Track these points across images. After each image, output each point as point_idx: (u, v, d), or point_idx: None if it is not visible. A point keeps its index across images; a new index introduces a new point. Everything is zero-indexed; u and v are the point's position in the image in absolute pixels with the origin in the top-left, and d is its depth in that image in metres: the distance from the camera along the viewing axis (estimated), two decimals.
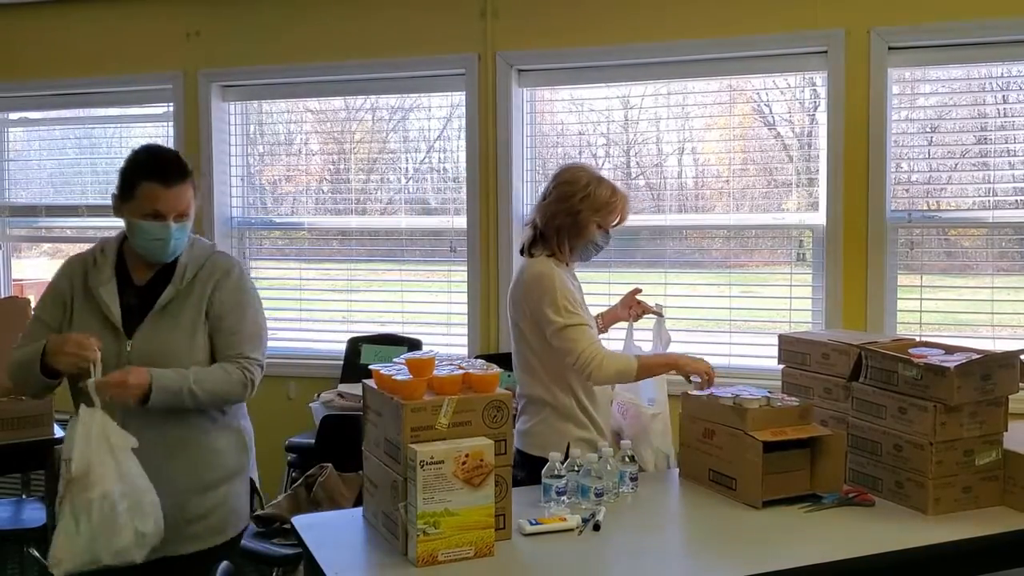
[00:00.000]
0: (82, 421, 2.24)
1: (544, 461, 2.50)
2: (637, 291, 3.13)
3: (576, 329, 2.69)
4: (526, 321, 2.80)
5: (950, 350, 2.61)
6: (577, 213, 2.79)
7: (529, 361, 2.84)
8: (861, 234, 3.91)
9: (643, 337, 3.11)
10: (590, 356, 2.67)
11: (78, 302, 2.43)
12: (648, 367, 2.77)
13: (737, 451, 2.50)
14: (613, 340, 3.12)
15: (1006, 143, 4.00)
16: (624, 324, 3.14)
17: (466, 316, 4.51)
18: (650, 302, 3.12)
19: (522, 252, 2.90)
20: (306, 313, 4.97)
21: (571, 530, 2.28)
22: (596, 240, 2.85)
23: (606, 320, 3.13)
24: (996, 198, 3.95)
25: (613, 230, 2.90)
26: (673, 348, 3.03)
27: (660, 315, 3.07)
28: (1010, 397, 2.53)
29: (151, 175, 2.37)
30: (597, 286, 4.45)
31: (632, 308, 3.10)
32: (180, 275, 2.44)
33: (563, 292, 2.72)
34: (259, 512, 3.48)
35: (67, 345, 2.29)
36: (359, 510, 2.41)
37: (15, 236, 5.39)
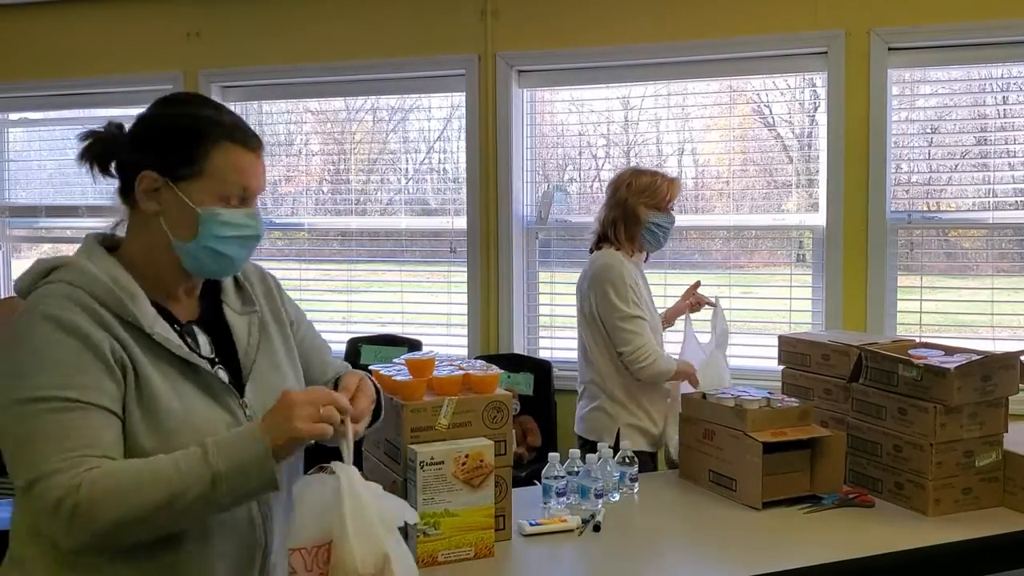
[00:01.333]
0: (345, 489, 1.47)
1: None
2: (697, 284, 3.37)
3: (636, 322, 2.96)
4: (590, 309, 3.05)
5: (950, 351, 2.61)
6: (624, 201, 3.08)
7: (589, 348, 3.09)
8: (861, 235, 3.91)
9: (702, 328, 3.35)
10: (646, 353, 2.94)
11: (140, 367, 1.44)
12: (682, 373, 3.07)
13: (737, 452, 2.50)
14: (675, 331, 3.41)
15: (1006, 144, 4.00)
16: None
17: (466, 317, 4.51)
18: (707, 295, 3.39)
19: (591, 252, 3.18)
20: (306, 313, 4.95)
21: (571, 531, 2.28)
22: (654, 221, 3.08)
23: (670, 314, 3.38)
24: (996, 199, 3.95)
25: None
26: (675, 349, 3.16)
27: (716, 306, 3.31)
28: (1010, 398, 2.53)
29: (232, 135, 1.54)
30: None
31: (691, 300, 3.36)
32: (251, 293, 1.69)
33: (627, 283, 2.98)
34: None
35: (311, 410, 1.47)
36: None
37: (15, 236, 5.39)
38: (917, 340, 2.94)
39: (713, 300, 3.35)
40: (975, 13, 3.73)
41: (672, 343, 3.33)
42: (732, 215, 4.28)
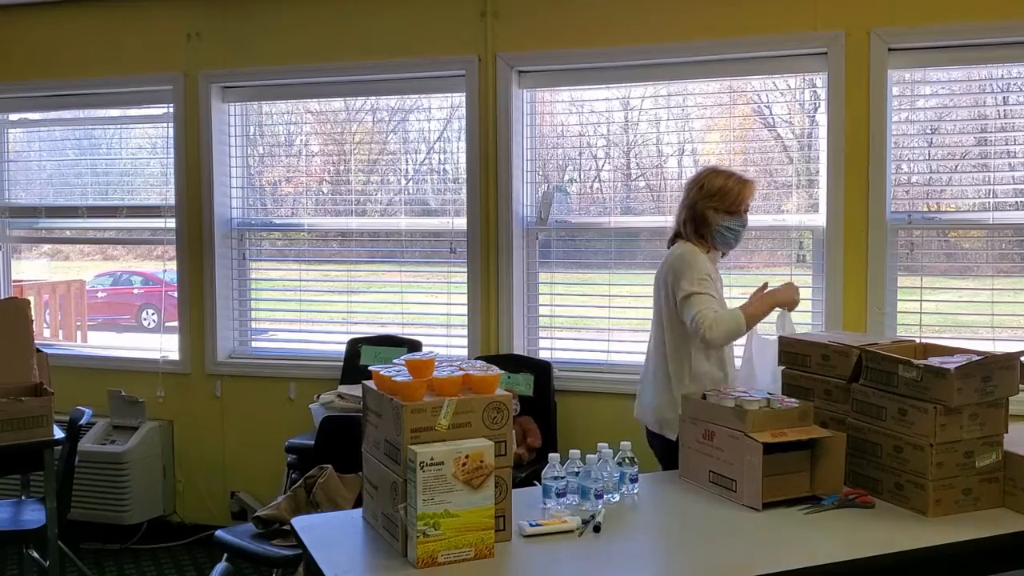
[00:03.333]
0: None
1: (665, 439, 3.03)
2: (765, 286, 3.34)
3: (698, 297, 2.98)
4: (665, 298, 3.11)
5: (950, 352, 2.61)
6: (694, 204, 3.12)
7: (659, 339, 3.17)
8: (861, 236, 3.91)
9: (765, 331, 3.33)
10: (702, 318, 2.93)
11: None
12: (754, 315, 3.06)
13: (737, 453, 2.50)
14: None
15: (1006, 144, 4.00)
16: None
17: (466, 317, 4.51)
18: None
19: (668, 247, 3.23)
20: (306, 314, 4.97)
21: (571, 531, 2.28)
22: (725, 224, 3.11)
23: None
24: (996, 199, 3.95)
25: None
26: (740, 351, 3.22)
27: (783, 308, 3.29)
28: (1010, 399, 2.53)
29: None
30: (597, 287, 4.47)
31: None
32: None
33: (700, 269, 3.02)
34: (259, 513, 3.49)
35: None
36: (359, 511, 2.41)
37: (15, 237, 5.39)
38: (917, 341, 2.95)
39: None
40: (975, 14, 3.73)
41: (738, 344, 3.30)
42: None
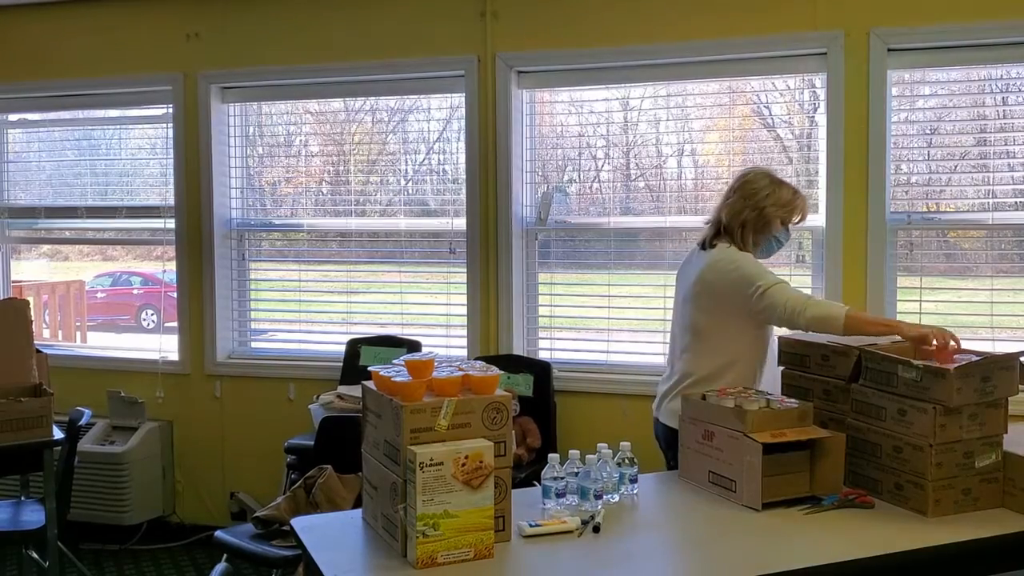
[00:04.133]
0: None
1: None
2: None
3: (778, 286, 2.86)
4: (713, 299, 2.97)
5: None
6: (763, 208, 3.03)
7: (699, 340, 3.01)
8: (860, 236, 3.91)
9: None
10: (794, 302, 2.79)
11: None
12: (861, 323, 2.75)
13: (737, 453, 2.50)
14: None
15: (1005, 145, 4.00)
16: None
17: (465, 318, 4.51)
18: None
19: (703, 246, 3.09)
20: (305, 315, 4.97)
21: (571, 532, 2.28)
22: (779, 235, 3.08)
23: None
24: (995, 200, 3.95)
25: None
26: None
27: None
28: (1010, 399, 2.53)
29: None
30: (597, 288, 4.47)
31: None
32: None
33: (761, 264, 2.95)
34: (258, 514, 3.49)
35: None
36: (358, 512, 2.41)
37: (14, 238, 5.38)
38: None
39: None
40: (975, 14, 3.73)
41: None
42: None
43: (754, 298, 2.86)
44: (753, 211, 3.02)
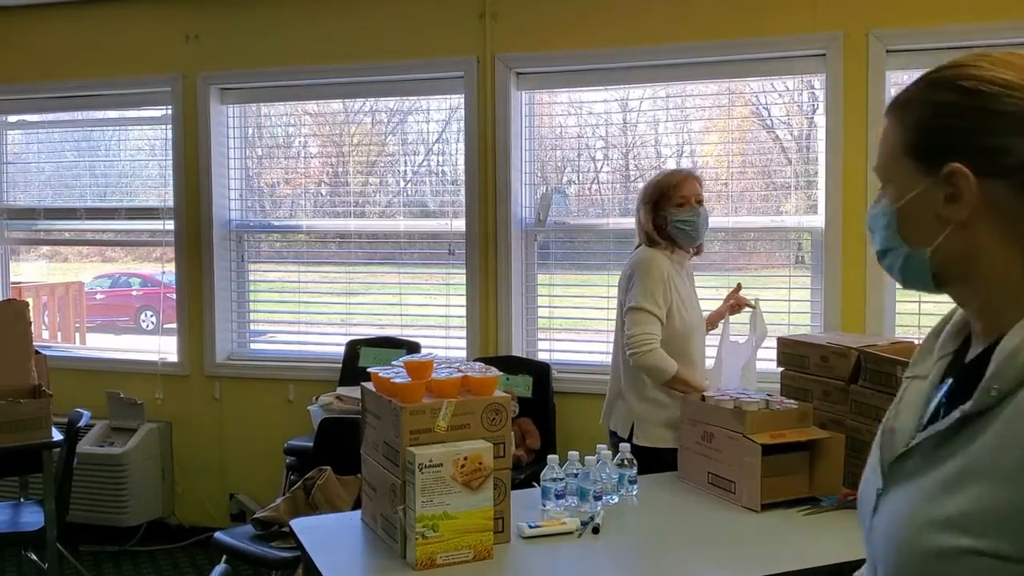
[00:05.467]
0: None
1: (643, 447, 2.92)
2: (739, 287, 3.38)
3: (645, 314, 2.96)
4: (622, 301, 3.09)
5: None
6: (642, 204, 3.13)
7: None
8: (860, 236, 3.91)
9: (737, 332, 3.35)
10: (643, 341, 2.93)
11: None
12: (679, 380, 2.95)
13: (736, 454, 2.50)
14: (714, 334, 3.40)
15: None
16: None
17: (465, 319, 4.51)
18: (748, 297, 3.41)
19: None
20: (305, 316, 4.97)
21: (570, 533, 2.28)
22: (675, 220, 3.07)
23: (712, 317, 3.38)
24: None
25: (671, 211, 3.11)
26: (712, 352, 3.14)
27: (754, 308, 3.32)
28: None
29: None
30: (596, 288, 4.47)
31: (731, 303, 3.38)
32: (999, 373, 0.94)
33: (657, 280, 2.99)
34: (257, 515, 3.48)
35: None
36: (357, 513, 2.41)
37: (13, 239, 5.38)
38: (916, 341, 2.94)
39: (752, 302, 3.34)
40: (974, 15, 3.73)
41: (710, 344, 3.30)
42: (731, 217, 4.28)
43: (626, 309, 3.01)
44: (638, 212, 3.15)
